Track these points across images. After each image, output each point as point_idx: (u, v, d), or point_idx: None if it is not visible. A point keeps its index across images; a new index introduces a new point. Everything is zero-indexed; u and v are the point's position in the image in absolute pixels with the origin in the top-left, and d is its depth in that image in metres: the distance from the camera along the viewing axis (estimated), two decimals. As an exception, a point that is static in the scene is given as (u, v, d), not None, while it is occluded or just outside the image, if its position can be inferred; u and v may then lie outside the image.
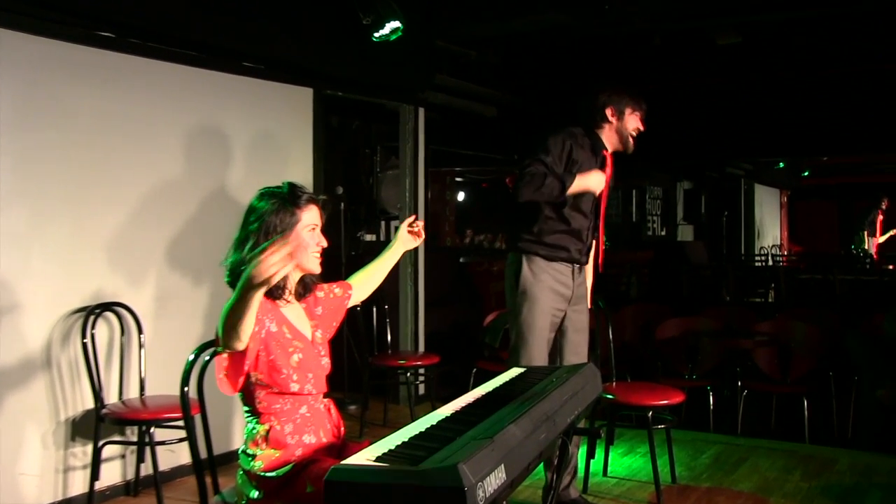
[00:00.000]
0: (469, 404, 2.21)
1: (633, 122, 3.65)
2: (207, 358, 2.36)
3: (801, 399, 5.08)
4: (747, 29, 6.40)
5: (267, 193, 2.32)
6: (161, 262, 4.31)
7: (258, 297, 1.96)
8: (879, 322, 5.78)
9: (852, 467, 4.62)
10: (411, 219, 2.79)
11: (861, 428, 5.36)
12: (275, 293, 2.28)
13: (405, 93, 6.13)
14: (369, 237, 7.82)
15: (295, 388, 2.24)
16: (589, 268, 3.85)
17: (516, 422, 1.91)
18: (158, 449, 3.88)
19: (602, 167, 3.62)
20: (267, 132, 4.90)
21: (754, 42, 6.79)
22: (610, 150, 3.69)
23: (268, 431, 2.23)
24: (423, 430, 1.94)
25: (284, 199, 2.29)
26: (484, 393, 2.37)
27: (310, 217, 2.32)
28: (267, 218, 2.26)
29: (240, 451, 2.28)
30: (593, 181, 3.49)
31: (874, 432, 5.22)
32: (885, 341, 5.42)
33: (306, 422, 2.28)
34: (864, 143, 9.14)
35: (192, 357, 2.34)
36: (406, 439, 1.86)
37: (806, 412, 5.04)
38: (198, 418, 2.40)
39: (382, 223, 8.06)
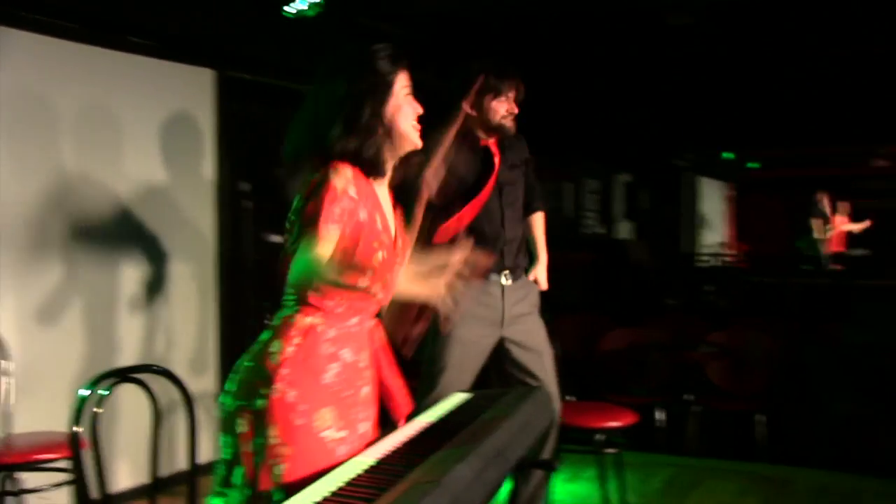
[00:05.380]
0: (410, 439, 2.18)
1: (498, 110, 3.52)
2: (106, 392, 2.28)
3: (756, 416, 5.24)
4: (697, 6, 6.55)
5: (345, 53, 2.22)
6: (32, 270, 4.17)
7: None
8: (837, 331, 6.02)
9: (809, 487, 4.80)
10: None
11: (819, 445, 5.57)
12: (373, 170, 2.14)
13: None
14: (276, 239, 7.70)
15: (364, 284, 2.08)
16: (542, 251, 3.81)
17: (465, 460, 1.89)
18: (29, 498, 3.71)
19: (488, 161, 3.55)
20: (162, 120, 4.80)
21: (707, 23, 6.95)
22: (489, 138, 3.59)
23: (307, 326, 2.06)
24: (356, 474, 1.90)
25: (374, 55, 2.18)
26: (424, 426, 2.35)
27: (405, 78, 2.20)
28: (359, 80, 2.14)
29: (239, 368, 2.05)
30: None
31: (833, 449, 5.45)
32: (842, 352, 5.65)
33: (350, 336, 2.13)
34: (819, 133, 9.51)
35: (86, 392, 2.25)
36: (336, 488, 1.81)
37: (761, 429, 5.19)
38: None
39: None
